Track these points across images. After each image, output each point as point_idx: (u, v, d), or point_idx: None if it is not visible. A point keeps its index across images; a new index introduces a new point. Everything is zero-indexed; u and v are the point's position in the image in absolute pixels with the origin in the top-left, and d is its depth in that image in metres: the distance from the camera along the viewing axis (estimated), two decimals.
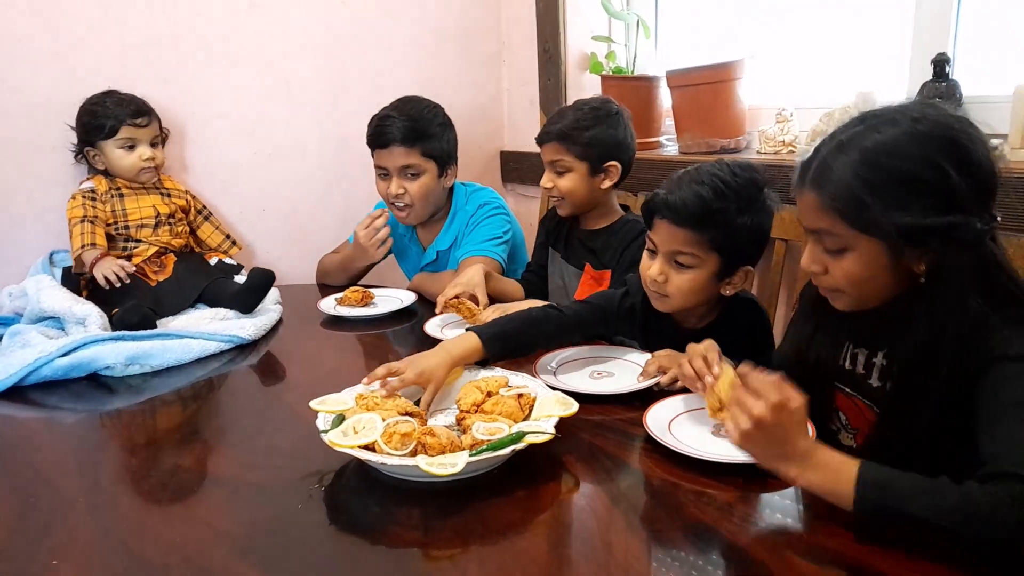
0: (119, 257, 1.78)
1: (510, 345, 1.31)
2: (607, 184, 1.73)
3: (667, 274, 1.25)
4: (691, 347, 1.14)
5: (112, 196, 1.82)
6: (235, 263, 1.94)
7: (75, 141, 1.85)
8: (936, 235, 0.88)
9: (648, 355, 1.34)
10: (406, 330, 1.76)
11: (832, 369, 1.09)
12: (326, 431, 1.03)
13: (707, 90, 2.06)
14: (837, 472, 0.85)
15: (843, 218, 0.92)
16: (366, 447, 0.99)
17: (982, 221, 0.88)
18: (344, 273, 2.04)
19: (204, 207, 2.00)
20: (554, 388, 1.20)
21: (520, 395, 1.14)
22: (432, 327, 1.63)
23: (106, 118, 1.79)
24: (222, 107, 2.14)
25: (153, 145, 1.87)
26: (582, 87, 2.46)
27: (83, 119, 1.81)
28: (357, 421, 1.03)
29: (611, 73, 2.33)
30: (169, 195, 1.91)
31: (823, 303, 1.04)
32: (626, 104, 2.28)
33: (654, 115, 2.29)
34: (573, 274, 1.77)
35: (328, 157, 2.32)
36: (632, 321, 1.40)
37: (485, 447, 0.98)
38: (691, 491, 0.97)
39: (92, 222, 1.75)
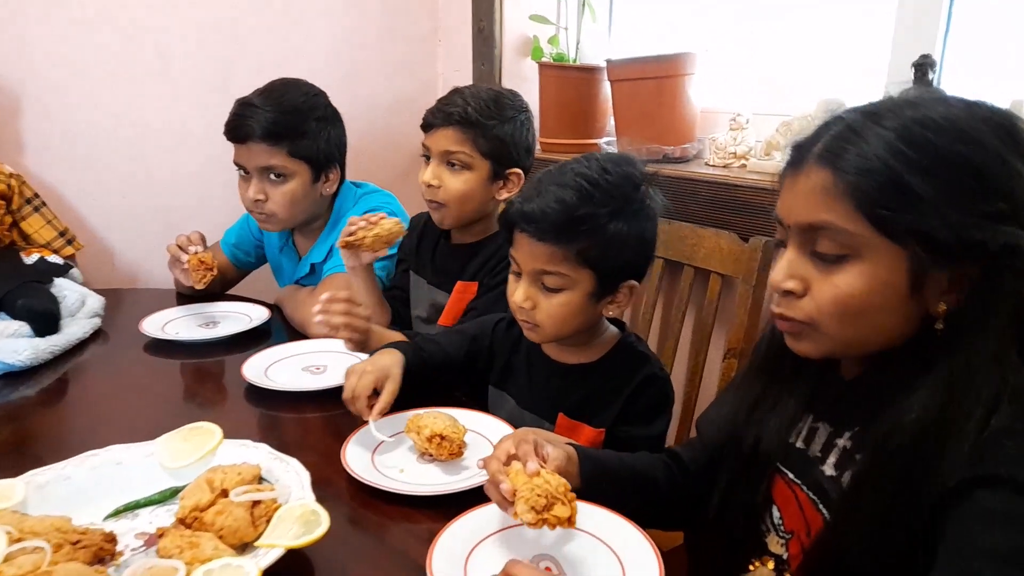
0: None
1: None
2: (504, 195, 1.40)
3: (534, 299, 1.06)
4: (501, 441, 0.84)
5: None
6: (61, 262, 1.61)
7: None
8: (983, 253, 0.64)
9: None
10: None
11: (777, 444, 0.80)
12: None
13: (651, 86, 1.70)
14: None
15: (864, 208, 0.67)
16: None
17: None
18: None
19: (36, 196, 1.67)
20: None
21: (256, 503, 0.80)
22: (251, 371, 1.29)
23: None
24: (65, 76, 1.79)
25: None
26: (521, 75, 2.11)
27: None
28: None
29: (551, 60, 1.97)
30: None
31: (785, 355, 0.79)
32: (565, 98, 1.94)
33: (596, 113, 1.93)
34: (446, 300, 1.43)
35: (211, 143, 1.96)
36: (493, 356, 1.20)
37: None
38: None
39: None
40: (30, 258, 1.58)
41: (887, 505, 0.67)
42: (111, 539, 0.78)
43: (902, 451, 0.66)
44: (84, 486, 0.87)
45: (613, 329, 1.16)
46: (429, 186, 1.36)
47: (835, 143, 0.69)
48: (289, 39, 2.03)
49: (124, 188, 1.91)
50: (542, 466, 0.79)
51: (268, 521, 0.79)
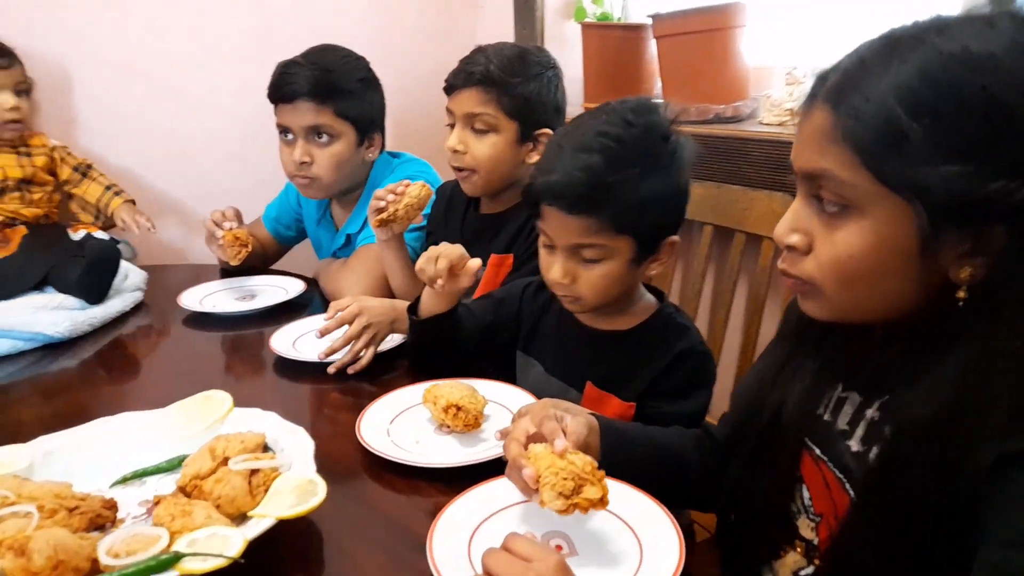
0: None
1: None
2: (534, 158, 1.33)
3: (573, 273, 0.98)
4: (518, 414, 0.77)
5: None
6: (107, 238, 1.63)
7: None
8: (1007, 210, 0.55)
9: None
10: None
11: (801, 413, 0.73)
12: None
13: (699, 41, 1.59)
14: None
15: (863, 156, 0.58)
16: None
17: None
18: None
19: (82, 163, 1.69)
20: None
21: (254, 472, 0.77)
22: (280, 342, 1.27)
23: None
24: (109, 53, 1.81)
25: (17, 94, 1.57)
26: (563, 38, 2.02)
27: None
28: None
29: (594, 21, 1.88)
30: (29, 155, 1.61)
31: (812, 319, 0.70)
32: (609, 59, 1.85)
33: (642, 74, 1.83)
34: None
35: (252, 117, 1.96)
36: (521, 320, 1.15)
37: None
38: None
39: None
40: (77, 234, 1.61)
41: (915, 486, 0.59)
42: (110, 506, 0.77)
43: (928, 428, 0.58)
44: (93, 453, 0.87)
45: (651, 297, 1.08)
46: (455, 152, 1.30)
47: (842, 78, 0.61)
48: (328, 10, 2.01)
49: (169, 164, 1.93)
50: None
51: (267, 491, 0.76)
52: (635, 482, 0.81)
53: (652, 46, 1.74)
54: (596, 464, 0.70)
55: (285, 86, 1.49)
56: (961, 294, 0.58)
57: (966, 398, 0.57)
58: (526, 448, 0.74)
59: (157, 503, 0.75)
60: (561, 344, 1.11)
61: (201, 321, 1.46)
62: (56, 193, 1.66)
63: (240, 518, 0.75)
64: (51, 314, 1.34)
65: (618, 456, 0.84)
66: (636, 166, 0.92)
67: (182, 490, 0.78)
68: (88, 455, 0.86)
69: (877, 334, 0.69)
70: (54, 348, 1.32)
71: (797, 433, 0.74)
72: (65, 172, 1.66)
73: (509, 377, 1.14)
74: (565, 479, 0.68)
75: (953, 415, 0.57)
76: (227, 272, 1.67)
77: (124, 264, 1.56)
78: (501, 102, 1.27)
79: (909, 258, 0.59)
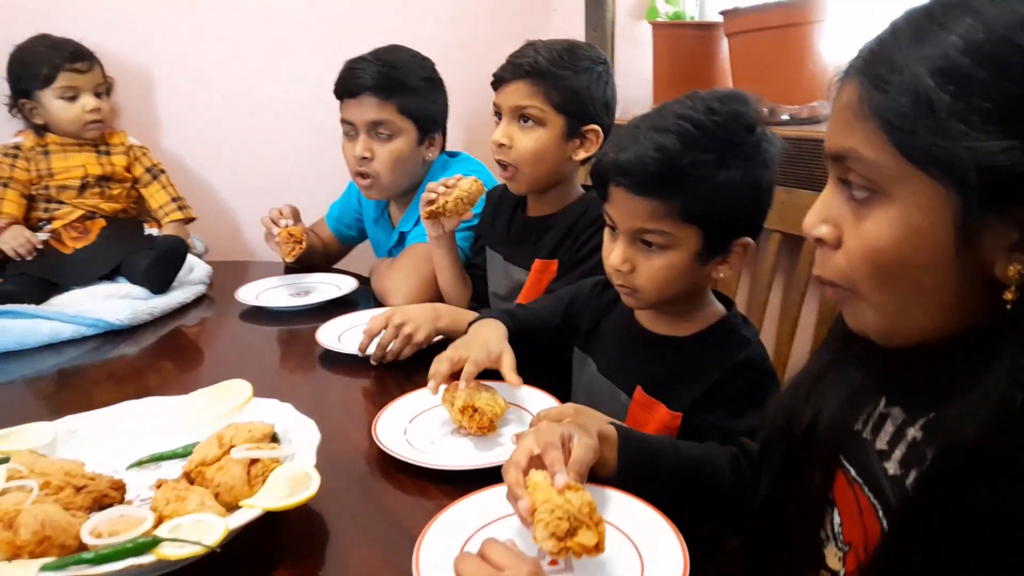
0: (39, 220, 1.60)
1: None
2: (581, 155, 1.29)
3: (632, 260, 0.92)
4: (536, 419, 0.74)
5: (38, 154, 1.63)
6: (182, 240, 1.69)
7: (8, 93, 1.66)
8: None
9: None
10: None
11: (837, 426, 0.66)
12: None
13: (773, 37, 1.50)
14: None
15: (891, 133, 0.52)
16: None
17: None
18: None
19: (155, 165, 1.77)
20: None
21: (254, 462, 0.76)
22: (326, 335, 1.28)
23: (40, 64, 1.59)
24: (186, 54, 1.89)
25: (97, 95, 1.67)
26: (635, 39, 1.96)
27: (13, 67, 1.62)
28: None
29: (666, 20, 1.82)
30: (108, 153, 1.70)
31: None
32: (679, 58, 1.78)
33: (714, 74, 1.75)
34: (523, 277, 1.33)
35: (322, 118, 2.00)
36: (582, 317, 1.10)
37: (74, 558, 0.61)
38: None
39: (5, 185, 1.58)
40: (153, 229, 1.69)
41: (955, 518, 0.50)
42: (118, 487, 0.78)
43: (972, 451, 0.50)
44: (114, 434, 0.88)
45: (719, 306, 1.01)
46: (500, 146, 1.27)
47: (873, 49, 0.54)
48: (401, 13, 2.03)
49: (241, 163, 2.00)
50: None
51: (265, 481, 0.75)
52: (659, 498, 0.75)
53: (724, 45, 1.66)
54: (595, 504, 0.66)
55: (351, 80, 1.52)
56: (1009, 295, 0.50)
57: (1015, 415, 0.48)
58: (527, 472, 0.70)
59: (159, 487, 0.75)
60: (617, 344, 1.06)
61: (256, 315, 1.49)
62: (134, 190, 1.74)
63: (236, 507, 0.75)
64: (116, 303, 1.40)
65: (638, 468, 0.78)
66: (713, 152, 0.86)
67: (187, 476, 0.79)
68: (109, 436, 0.88)
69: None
70: (116, 335, 1.37)
71: (831, 450, 0.66)
72: (138, 171, 1.74)
73: (566, 373, 1.10)
74: (560, 519, 0.63)
75: (1001, 435, 0.49)
76: (290, 269, 1.70)
77: (191, 258, 1.62)
78: (549, 95, 1.23)
79: (944, 249, 0.51)
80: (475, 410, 0.89)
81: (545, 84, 1.23)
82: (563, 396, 1.03)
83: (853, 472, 0.64)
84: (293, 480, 0.73)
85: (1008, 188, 0.48)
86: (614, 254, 0.93)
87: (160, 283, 1.49)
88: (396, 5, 2.03)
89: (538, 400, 0.99)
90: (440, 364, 0.95)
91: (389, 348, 1.15)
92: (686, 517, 0.72)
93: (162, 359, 1.35)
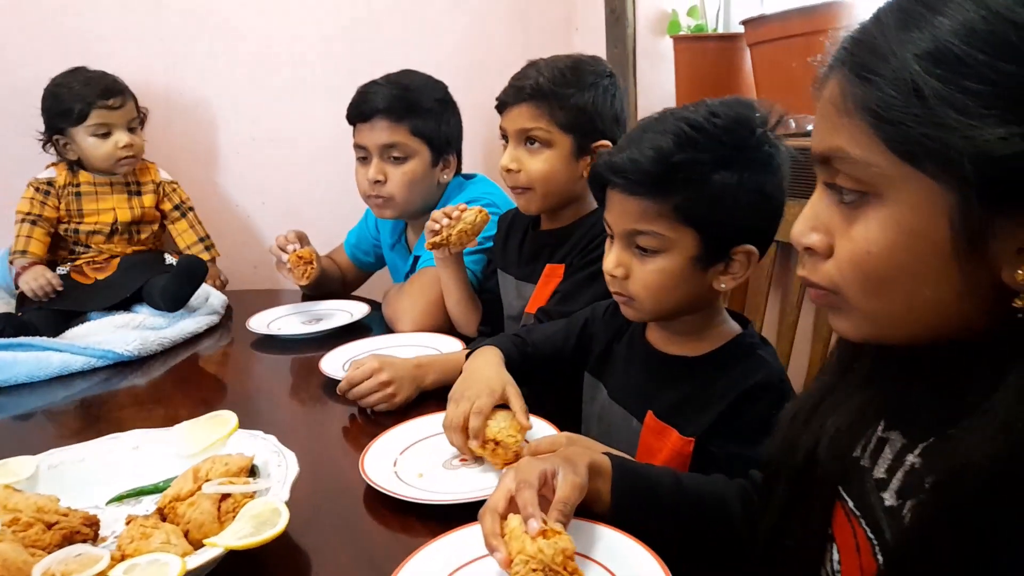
0: (64, 259, 1.62)
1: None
2: None
3: (626, 265, 0.90)
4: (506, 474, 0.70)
5: (70, 193, 1.64)
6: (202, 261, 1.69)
7: (42, 129, 1.68)
8: None
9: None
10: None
11: (835, 454, 0.61)
12: None
13: (797, 46, 1.44)
14: None
15: (881, 129, 0.47)
16: None
17: None
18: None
19: (184, 201, 1.78)
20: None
21: (225, 497, 0.72)
22: (329, 364, 1.24)
23: (73, 101, 1.61)
24: (214, 85, 1.92)
25: (131, 130, 1.68)
26: (657, 54, 1.91)
27: (47, 103, 1.64)
28: None
29: (688, 33, 1.77)
30: (140, 193, 1.71)
31: (860, 349, 0.60)
32: (701, 71, 1.72)
33: (738, 86, 1.68)
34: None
35: (341, 151, 2.00)
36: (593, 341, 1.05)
37: None
38: None
39: (34, 223, 1.60)
40: (173, 260, 1.69)
41: (954, 553, 0.44)
42: (91, 523, 0.75)
43: (974, 478, 0.43)
44: (97, 468, 0.86)
45: (734, 324, 0.95)
46: (508, 171, 1.23)
47: (857, 36, 0.50)
48: (420, 36, 2.03)
49: (262, 196, 2.01)
50: (544, 524, 0.63)
51: (235, 517, 0.71)
52: (659, 534, 0.69)
53: (748, 56, 1.60)
54: (572, 551, 0.61)
55: (363, 104, 1.51)
56: (1020, 303, 0.44)
57: (1011, 446, 0.41)
58: (505, 516, 0.66)
59: (128, 523, 0.72)
60: (627, 367, 1.00)
61: (268, 344, 1.47)
62: (161, 229, 1.76)
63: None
64: (127, 333, 1.40)
65: (634, 502, 0.73)
66: (710, 152, 0.83)
67: (160, 511, 0.75)
68: (91, 470, 0.86)
69: (926, 357, 0.54)
70: (126, 366, 1.37)
71: (831, 479, 0.59)
72: (167, 206, 1.75)
73: (575, 398, 1.05)
74: (534, 569, 0.59)
75: (1009, 463, 0.42)
76: (308, 297, 1.69)
77: (207, 287, 1.61)
78: (554, 116, 1.19)
79: (943, 253, 0.46)
80: (497, 444, 0.84)
81: (549, 105, 1.19)
82: (573, 426, 0.97)
83: (851, 504, 0.58)
84: (260, 516, 0.69)
85: (1011, 181, 0.42)
86: (608, 258, 0.91)
87: (175, 300, 1.48)
88: (414, 29, 2.03)
89: (544, 431, 0.93)
90: (453, 434, 0.89)
91: (366, 399, 1.09)
92: (695, 554, 0.66)
93: (172, 389, 1.34)
